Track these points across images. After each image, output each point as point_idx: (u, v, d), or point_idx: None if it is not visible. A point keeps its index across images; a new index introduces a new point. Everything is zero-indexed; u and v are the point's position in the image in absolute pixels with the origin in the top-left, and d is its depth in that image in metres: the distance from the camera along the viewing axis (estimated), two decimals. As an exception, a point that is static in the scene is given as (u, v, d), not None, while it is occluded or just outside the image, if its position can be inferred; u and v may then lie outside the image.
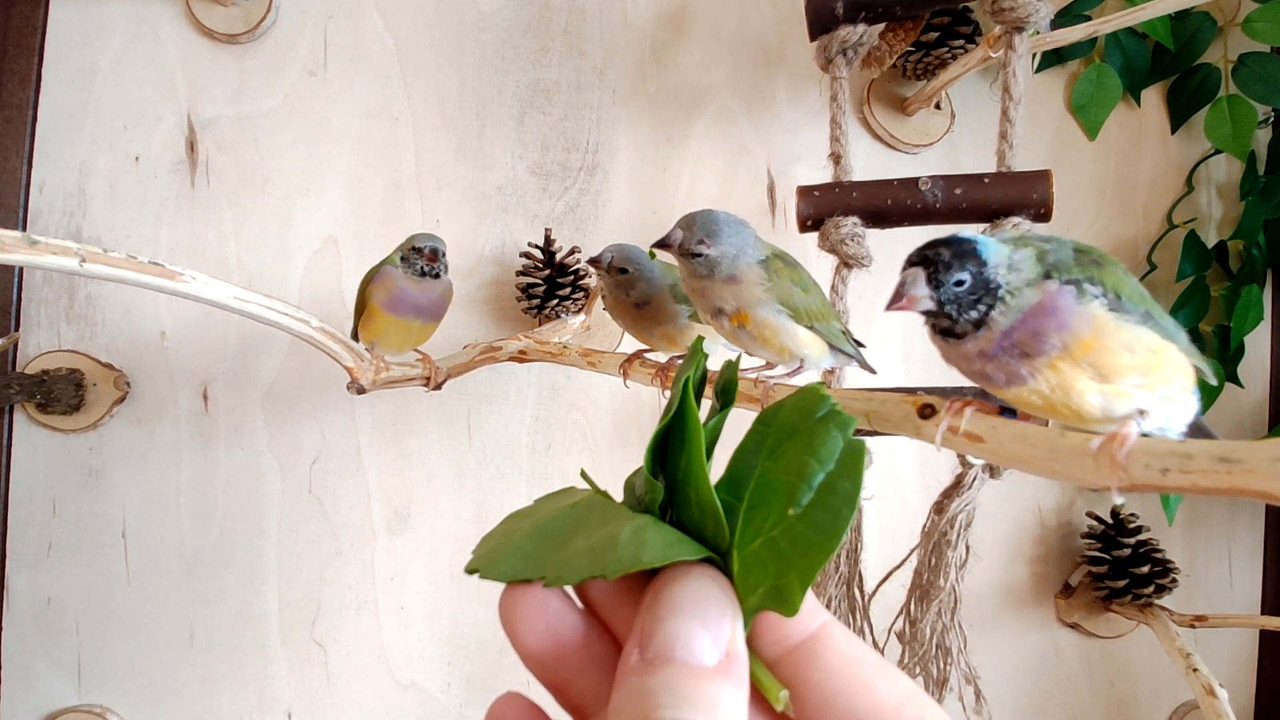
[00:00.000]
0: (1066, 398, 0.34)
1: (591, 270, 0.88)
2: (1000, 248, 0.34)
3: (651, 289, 0.67)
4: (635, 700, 0.18)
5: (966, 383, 0.55)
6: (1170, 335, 0.35)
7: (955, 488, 0.67)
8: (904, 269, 0.35)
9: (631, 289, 0.67)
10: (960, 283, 0.34)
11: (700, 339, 0.25)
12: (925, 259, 0.34)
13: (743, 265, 0.54)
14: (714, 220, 0.54)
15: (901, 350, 0.97)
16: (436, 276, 0.72)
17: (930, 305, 0.34)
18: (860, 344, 0.62)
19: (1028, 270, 0.34)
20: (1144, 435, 0.32)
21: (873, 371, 0.64)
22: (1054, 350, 0.33)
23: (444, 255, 0.72)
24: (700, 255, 0.53)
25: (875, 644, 0.72)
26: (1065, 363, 0.33)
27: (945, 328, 0.36)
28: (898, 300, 0.35)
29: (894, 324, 0.96)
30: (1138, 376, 0.34)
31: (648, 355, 0.68)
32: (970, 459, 0.66)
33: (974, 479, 0.66)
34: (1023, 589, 0.96)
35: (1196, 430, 0.37)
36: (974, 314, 0.34)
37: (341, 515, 0.90)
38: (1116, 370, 0.33)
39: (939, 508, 0.68)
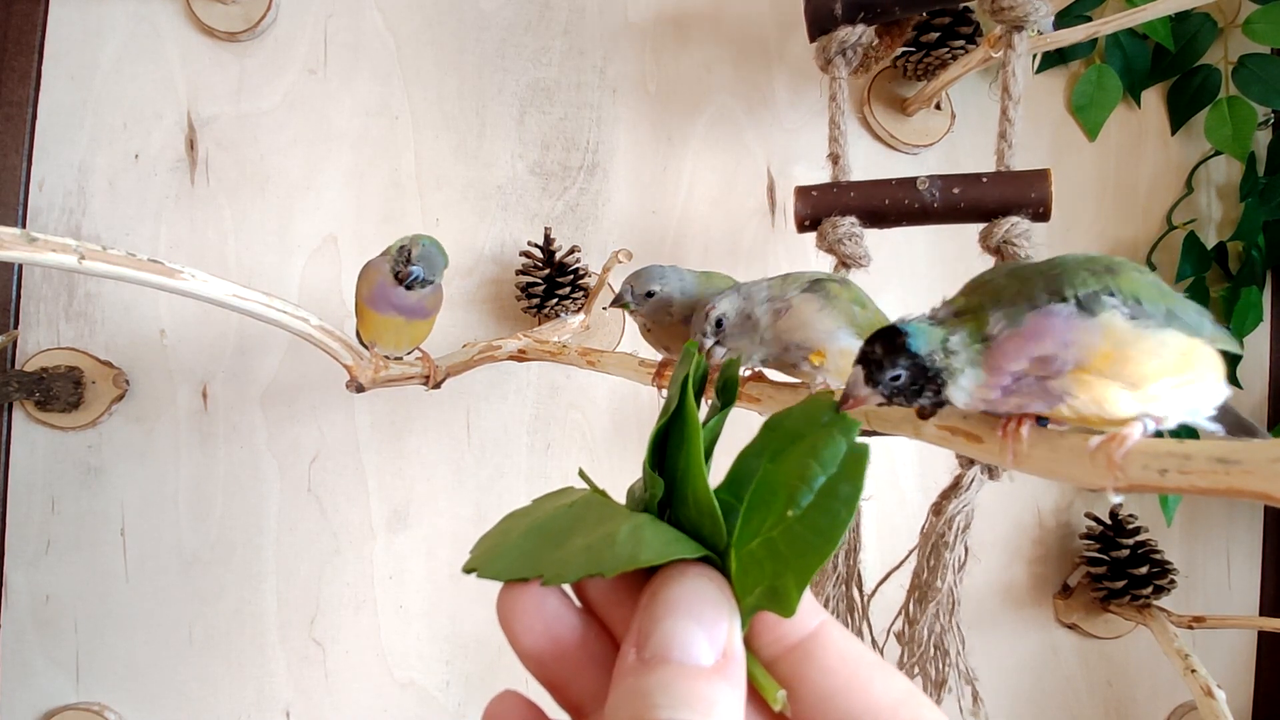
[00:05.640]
0: (1100, 409, 0.33)
1: (590, 269, 0.89)
2: (932, 334, 0.34)
3: (690, 300, 0.61)
4: (632, 700, 0.18)
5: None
6: (1195, 329, 0.35)
7: (953, 489, 0.66)
8: (854, 363, 0.36)
9: (671, 307, 0.60)
10: (896, 377, 0.34)
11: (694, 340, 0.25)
12: (863, 357, 0.35)
13: (790, 294, 0.52)
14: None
15: (901, 350, 0.96)
16: (421, 284, 0.68)
17: (880, 399, 0.35)
18: None
19: (965, 352, 0.34)
20: (1159, 433, 0.32)
21: None
22: (1069, 366, 0.33)
23: (426, 275, 0.67)
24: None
25: (875, 644, 0.72)
26: (1089, 375, 0.33)
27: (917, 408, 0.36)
28: (846, 403, 0.35)
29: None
30: (1171, 379, 0.34)
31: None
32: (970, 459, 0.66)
33: (972, 480, 0.65)
34: (1021, 589, 0.96)
35: (1225, 414, 0.37)
36: (925, 399, 0.35)
37: (340, 514, 0.90)
38: (1145, 377, 0.33)
39: (937, 509, 0.67)
